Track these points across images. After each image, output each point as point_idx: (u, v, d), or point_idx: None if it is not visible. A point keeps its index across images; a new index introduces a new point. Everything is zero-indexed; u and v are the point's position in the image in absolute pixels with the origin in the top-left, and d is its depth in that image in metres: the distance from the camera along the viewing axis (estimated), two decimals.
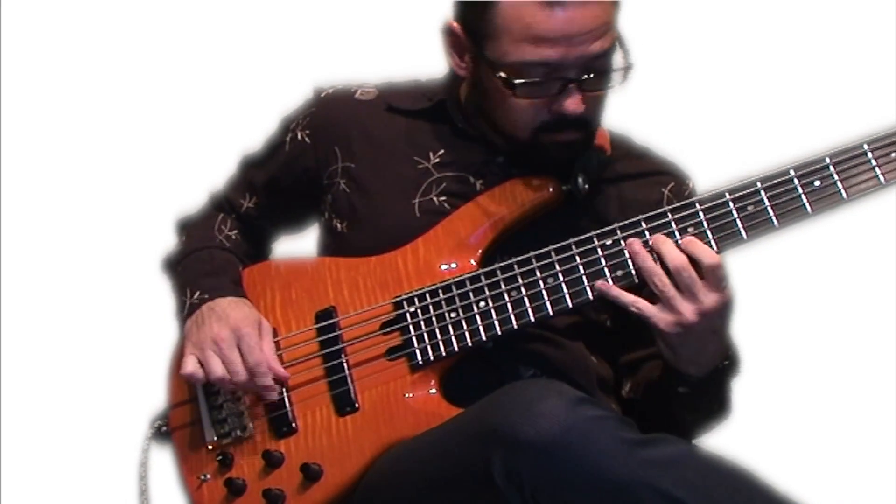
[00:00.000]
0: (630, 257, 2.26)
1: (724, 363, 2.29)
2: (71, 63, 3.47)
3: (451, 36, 2.41)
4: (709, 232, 2.26)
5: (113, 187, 3.44)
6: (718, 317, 2.22)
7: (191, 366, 2.38)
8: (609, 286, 2.27)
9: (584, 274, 2.30)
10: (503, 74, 2.31)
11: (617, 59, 2.34)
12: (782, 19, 3.28)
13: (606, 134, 2.49)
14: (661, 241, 2.24)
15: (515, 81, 2.30)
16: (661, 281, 2.22)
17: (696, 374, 2.28)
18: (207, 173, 2.66)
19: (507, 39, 2.30)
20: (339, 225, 2.49)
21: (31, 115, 3.47)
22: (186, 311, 2.44)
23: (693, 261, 2.21)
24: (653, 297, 2.24)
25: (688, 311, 2.20)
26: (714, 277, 2.20)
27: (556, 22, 2.27)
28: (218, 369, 2.36)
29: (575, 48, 2.28)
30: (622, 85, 2.34)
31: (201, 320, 2.41)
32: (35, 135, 3.48)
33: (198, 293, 2.44)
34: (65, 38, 3.47)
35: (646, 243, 2.26)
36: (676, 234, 2.26)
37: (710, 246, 2.25)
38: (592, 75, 2.31)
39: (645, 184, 2.47)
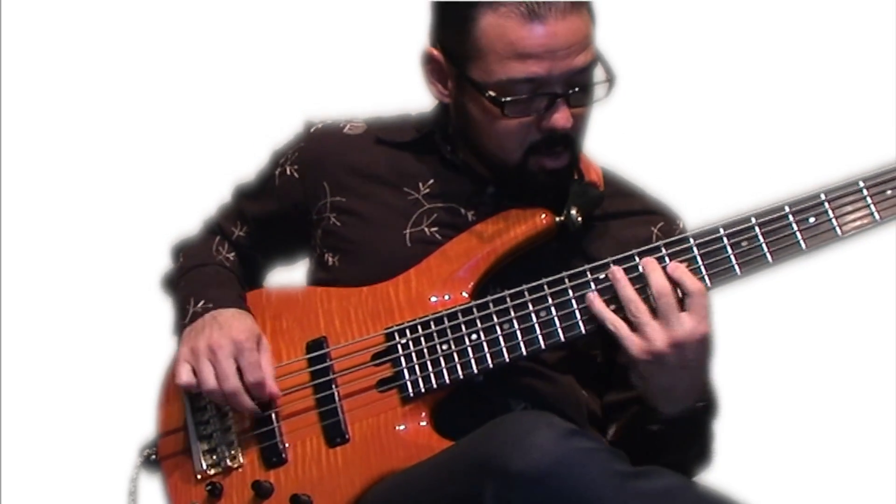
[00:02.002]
0: (612, 283, 2.26)
1: (698, 404, 2.27)
2: (68, 87, 3.48)
3: (431, 63, 2.41)
4: (702, 267, 2.26)
5: (104, 213, 3.44)
6: (692, 351, 2.20)
7: (185, 376, 2.36)
8: (596, 297, 2.26)
9: (577, 308, 2.29)
10: (491, 94, 2.31)
11: (598, 75, 2.34)
12: (784, 49, 3.29)
13: (599, 170, 2.48)
14: (651, 267, 2.24)
15: (504, 100, 2.30)
16: (636, 307, 2.22)
17: (669, 411, 2.26)
18: (201, 198, 2.66)
19: (492, 58, 2.30)
20: (330, 258, 2.48)
21: (21, 153, 3.48)
22: (189, 318, 2.42)
23: (677, 287, 2.22)
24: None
25: (659, 338, 2.20)
26: (694, 305, 2.20)
27: (539, 36, 2.27)
28: (211, 380, 2.35)
29: (559, 62, 2.28)
30: (606, 99, 2.35)
31: (201, 326, 2.39)
32: (29, 164, 3.48)
33: (202, 302, 2.43)
34: (60, 61, 3.47)
35: (633, 269, 2.26)
36: (666, 259, 2.26)
37: (704, 282, 2.25)
38: (577, 90, 2.31)
39: (635, 222, 2.47)
